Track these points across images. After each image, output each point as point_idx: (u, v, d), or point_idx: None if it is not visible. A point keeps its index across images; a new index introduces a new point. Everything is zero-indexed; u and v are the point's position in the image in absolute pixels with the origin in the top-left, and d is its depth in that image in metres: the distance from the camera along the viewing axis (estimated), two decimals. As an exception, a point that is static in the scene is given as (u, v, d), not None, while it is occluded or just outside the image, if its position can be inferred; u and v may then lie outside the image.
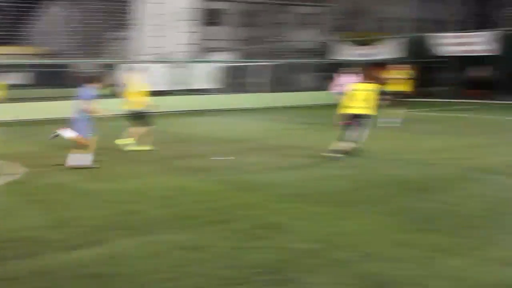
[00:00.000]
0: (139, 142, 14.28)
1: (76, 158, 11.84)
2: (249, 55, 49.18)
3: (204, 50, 50.24)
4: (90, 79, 12.46)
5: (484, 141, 16.10)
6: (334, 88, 21.62)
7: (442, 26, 50.47)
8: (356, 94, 12.67)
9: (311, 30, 56.16)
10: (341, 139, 12.74)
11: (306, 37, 52.27)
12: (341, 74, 21.29)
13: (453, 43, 36.12)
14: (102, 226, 7.35)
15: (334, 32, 51.56)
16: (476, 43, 34.73)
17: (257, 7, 53.48)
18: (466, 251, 6.18)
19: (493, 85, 36.61)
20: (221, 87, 34.36)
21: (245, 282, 5.42)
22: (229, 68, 38.43)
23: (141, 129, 14.47)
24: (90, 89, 12.12)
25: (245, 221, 7.53)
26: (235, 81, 38.91)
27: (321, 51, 50.54)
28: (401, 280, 5.40)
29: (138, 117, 14.54)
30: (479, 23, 44.11)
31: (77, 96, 12.22)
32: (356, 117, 12.63)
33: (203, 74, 31.97)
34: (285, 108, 30.53)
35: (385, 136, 16.86)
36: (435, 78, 40.69)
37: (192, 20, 51.49)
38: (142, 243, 6.63)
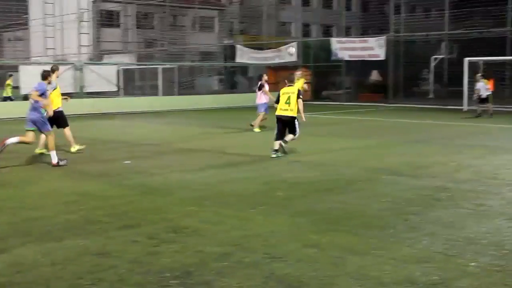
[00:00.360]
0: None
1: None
2: (148, 58, 48.76)
3: (101, 52, 49.37)
4: (44, 75, 12.85)
5: (382, 142, 16.69)
6: (262, 99, 20.44)
7: (339, 31, 51.89)
8: (283, 97, 13.62)
9: (210, 34, 56.29)
10: (276, 139, 13.62)
11: (206, 41, 52.32)
12: (264, 83, 20.83)
13: (347, 48, 37.14)
14: (5, 234, 7.07)
15: (234, 35, 51.94)
16: (368, 48, 35.89)
17: (155, 9, 53.00)
18: (373, 250, 6.36)
19: (386, 89, 38.03)
20: (120, 89, 33.84)
21: (158, 287, 5.38)
22: (128, 70, 37.90)
23: (66, 131, 14.27)
24: (44, 85, 12.53)
25: (154, 225, 7.46)
26: (135, 83, 38.46)
27: (221, 54, 50.82)
28: (310, 281, 5.49)
29: (58, 119, 14.18)
30: (375, 29, 45.62)
31: (35, 90, 12.32)
32: (284, 118, 13.59)
33: (101, 76, 31.34)
34: (188, 111, 30.46)
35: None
36: (332, 82, 41.81)
37: (89, 21, 50.47)
38: (49, 249, 6.43)
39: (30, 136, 12.48)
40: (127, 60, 44.36)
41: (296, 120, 13.72)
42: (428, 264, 5.94)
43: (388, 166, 12.24)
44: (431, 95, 38.13)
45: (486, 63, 30.34)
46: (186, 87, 40.06)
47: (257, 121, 19.98)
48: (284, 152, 13.63)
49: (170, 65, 38.72)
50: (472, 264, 5.94)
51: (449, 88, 35.30)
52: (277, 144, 13.59)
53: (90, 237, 6.92)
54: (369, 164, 12.51)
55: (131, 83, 38.61)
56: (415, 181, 10.54)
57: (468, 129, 20.58)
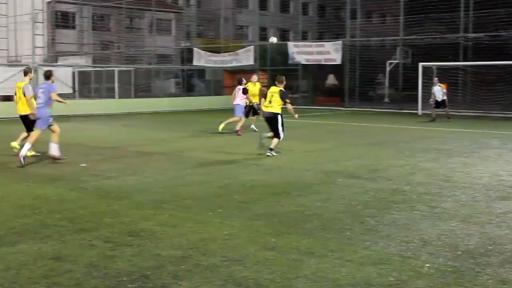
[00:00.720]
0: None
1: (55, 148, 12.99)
2: (104, 60, 48.29)
3: (56, 54, 48.70)
4: (48, 75, 13.37)
5: (338, 145, 16.84)
6: (239, 100, 20.16)
7: (296, 35, 52.16)
8: (268, 96, 14.73)
9: (168, 36, 56.02)
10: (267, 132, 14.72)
11: (163, 43, 52.05)
12: (240, 86, 20.60)
13: (304, 52, 37.38)
14: (-44, 239, 6.93)
15: (191, 38, 51.80)
16: (324, 52, 36.19)
17: (111, 11, 52.51)
18: (330, 253, 6.42)
19: (342, 93, 38.41)
20: (76, 92, 33.41)
21: (115, 291, 5.35)
22: (84, 73, 37.45)
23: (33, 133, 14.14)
24: (54, 86, 13.28)
25: (110, 228, 7.39)
26: (90, 86, 38.04)
27: (178, 57, 50.59)
28: (268, 283, 5.51)
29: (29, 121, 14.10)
30: (331, 33, 45.99)
31: (42, 91, 13.04)
32: (267, 115, 14.67)
33: (56, 78, 30.83)
34: (145, 114, 30.24)
35: (243, 142, 17.23)
36: (289, 86, 41.97)
37: (43, 22, 49.69)
38: (3, 254, 6.32)
39: (56, 129, 13.26)
40: (83, 62, 43.86)
41: (278, 117, 14.49)
42: (384, 265, 6.02)
43: (345, 169, 12.36)
44: (386, 99, 38.64)
45: (440, 68, 30.88)
46: (143, 90, 39.80)
47: (229, 120, 19.91)
48: (262, 145, 14.58)
49: (126, 67, 38.41)
50: (427, 265, 6.04)
51: (404, 93, 35.83)
52: (270, 133, 14.66)
53: (45, 241, 6.82)
54: (326, 167, 12.61)
55: (86, 85, 38.17)
56: (371, 184, 10.65)
57: (423, 133, 20.90)
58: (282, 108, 14.60)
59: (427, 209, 8.62)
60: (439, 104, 26.07)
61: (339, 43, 35.61)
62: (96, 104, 31.72)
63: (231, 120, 20.03)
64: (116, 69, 37.05)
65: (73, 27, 52.67)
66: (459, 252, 6.49)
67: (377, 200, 9.25)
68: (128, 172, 11.96)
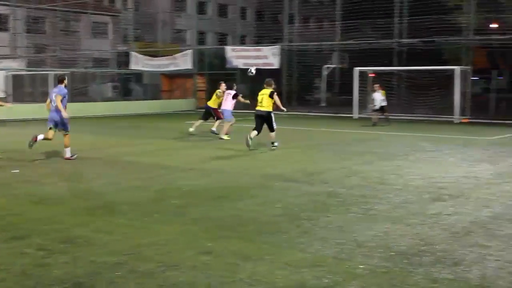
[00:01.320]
0: None
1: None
2: (39, 64, 47.32)
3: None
4: (61, 79, 14.14)
5: (275, 149, 16.90)
6: (228, 105, 19.90)
7: (235, 39, 52.31)
8: (259, 98, 16.56)
9: (104, 40, 55.32)
10: (254, 129, 16.33)
11: (100, 47, 51.36)
12: (230, 90, 20.20)
13: (241, 56, 37.47)
14: None
15: (128, 42, 51.31)
16: (262, 56, 36.37)
17: (46, 13, 51.49)
18: (266, 256, 6.45)
19: (280, 97, 38.60)
20: (9, 96, 32.62)
21: (47, 299, 5.24)
22: (17, 76, 36.59)
23: None
24: (64, 89, 13.88)
25: (44, 236, 7.24)
26: (24, 90, 37.22)
27: (115, 61, 49.99)
28: (204, 288, 5.53)
29: None
30: (269, 38, 46.26)
31: (55, 95, 13.75)
32: (259, 113, 16.50)
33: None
34: (81, 118, 29.73)
35: (183, 146, 17.16)
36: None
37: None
38: None
39: (51, 134, 13.99)
40: (17, 65, 42.83)
41: (271, 115, 16.47)
42: (320, 268, 6.09)
43: (282, 172, 12.44)
44: (323, 103, 39.07)
45: (376, 73, 31.40)
46: (79, 94, 39.13)
47: (225, 128, 19.71)
48: (249, 145, 16.00)
49: (62, 71, 37.70)
50: (361, 266, 6.14)
51: (341, 97, 36.27)
52: (253, 133, 16.27)
53: (-25, 250, 6.64)
54: (262, 171, 12.67)
55: (20, 89, 37.26)
56: (307, 187, 10.76)
57: (359, 136, 21.22)
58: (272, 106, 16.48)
59: (362, 211, 8.77)
60: (379, 109, 26.27)
61: (277, 48, 35.85)
62: (31, 108, 31.00)
63: (227, 126, 19.88)
64: (51, 72, 36.33)
65: (6, 30, 51.41)
66: (392, 253, 6.63)
67: (313, 203, 9.35)
68: (63, 177, 11.75)
